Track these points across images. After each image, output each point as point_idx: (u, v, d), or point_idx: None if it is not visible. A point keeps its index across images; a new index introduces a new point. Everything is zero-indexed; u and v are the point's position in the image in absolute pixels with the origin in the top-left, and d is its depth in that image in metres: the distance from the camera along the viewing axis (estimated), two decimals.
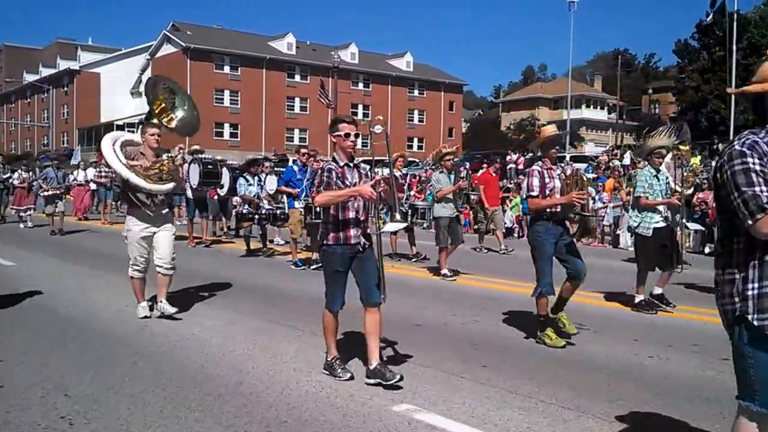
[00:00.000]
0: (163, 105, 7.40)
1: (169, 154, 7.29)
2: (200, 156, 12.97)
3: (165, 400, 4.60)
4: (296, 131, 63.13)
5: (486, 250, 15.10)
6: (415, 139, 69.56)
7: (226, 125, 60.04)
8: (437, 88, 72.26)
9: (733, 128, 29.13)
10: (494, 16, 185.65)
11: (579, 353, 6.16)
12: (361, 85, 67.33)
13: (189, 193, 14.08)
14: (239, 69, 60.93)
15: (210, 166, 12.18)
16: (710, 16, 29.11)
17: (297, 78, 63.89)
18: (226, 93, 60.42)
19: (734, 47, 27.74)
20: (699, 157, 26.84)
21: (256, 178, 13.81)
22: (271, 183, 13.85)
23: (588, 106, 76.28)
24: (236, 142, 59.34)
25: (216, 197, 14.72)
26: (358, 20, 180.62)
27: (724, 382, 5.20)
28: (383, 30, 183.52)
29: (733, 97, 28.16)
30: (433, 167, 13.64)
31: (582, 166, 22.80)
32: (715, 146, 33.57)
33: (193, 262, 12.53)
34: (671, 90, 58.24)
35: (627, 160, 25.10)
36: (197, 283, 9.36)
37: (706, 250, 14.61)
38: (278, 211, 13.03)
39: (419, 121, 71.26)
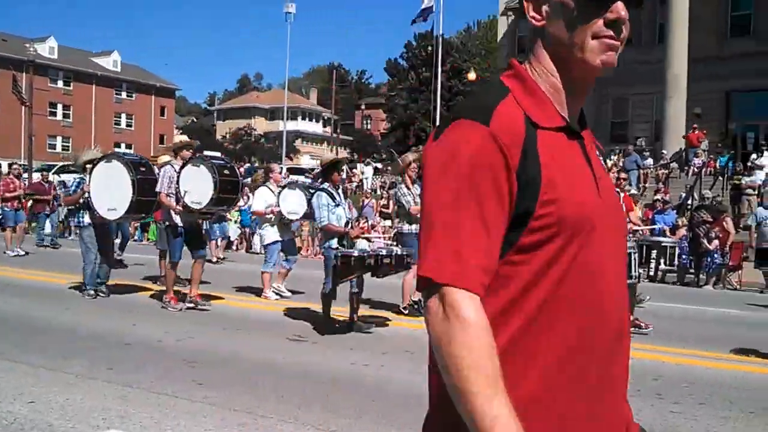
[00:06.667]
0: None
1: None
2: (202, 156, 9.24)
3: None
4: None
5: None
6: (123, 145, 65.19)
7: None
8: (147, 91, 68.86)
9: None
10: (209, 21, 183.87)
11: (297, 363, 6.14)
12: (60, 83, 61.67)
13: (177, 218, 8.72)
14: None
15: (227, 173, 8.42)
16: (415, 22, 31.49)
17: None
18: None
19: (439, 69, 30.44)
20: None
21: (340, 192, 8.23)
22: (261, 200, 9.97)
23: (304, 119, 78.44)
24: None
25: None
26: (58, 12, 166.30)
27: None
28: (87, 25, 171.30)
29: (438, 116, 31.00)
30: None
31: (300, 177, 23.06)
32: None
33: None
34: (382, 106, 61.97)
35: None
36: None
37: None
38: (396, 252, 7.69)
39: (127, 125, 67.34)
